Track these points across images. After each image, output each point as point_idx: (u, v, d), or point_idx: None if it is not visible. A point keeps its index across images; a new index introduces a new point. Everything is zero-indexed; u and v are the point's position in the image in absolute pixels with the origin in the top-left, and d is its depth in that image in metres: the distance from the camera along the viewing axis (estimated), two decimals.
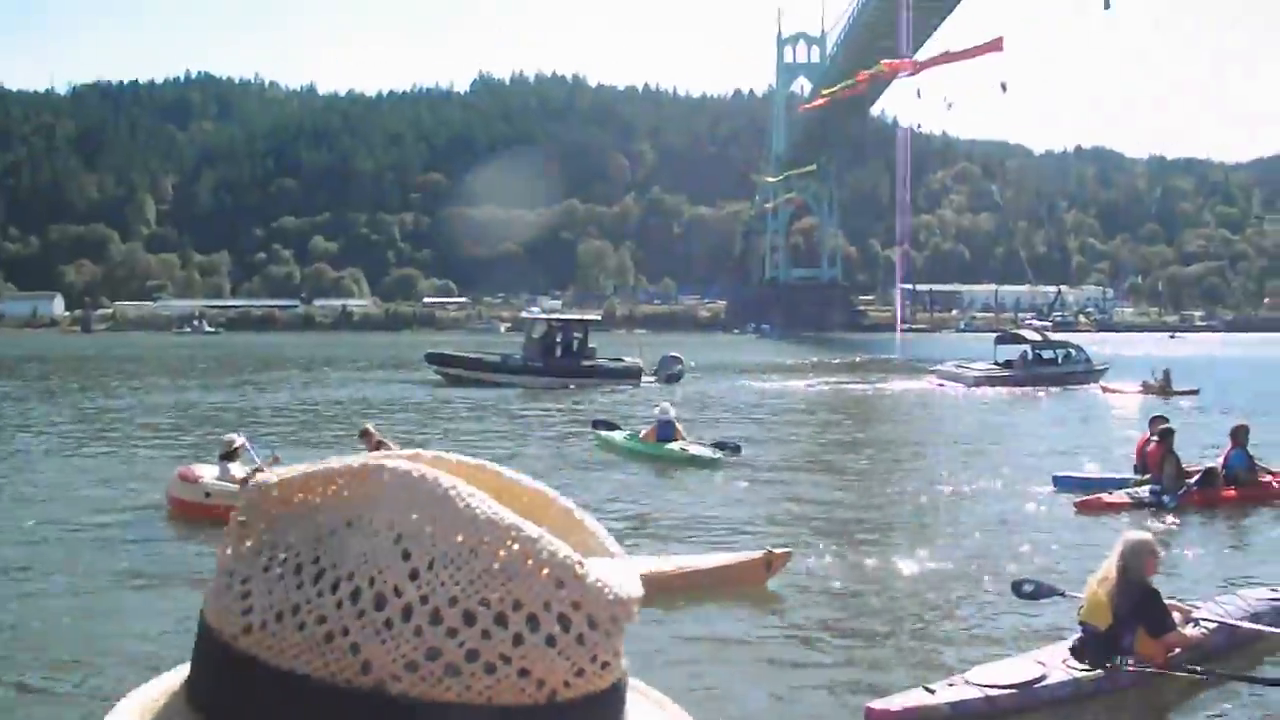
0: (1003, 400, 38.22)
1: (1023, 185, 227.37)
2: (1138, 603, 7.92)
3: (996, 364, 45.78)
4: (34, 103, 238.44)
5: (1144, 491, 15.78)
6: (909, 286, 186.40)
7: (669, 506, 16.53)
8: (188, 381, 48.27)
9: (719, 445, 22.28)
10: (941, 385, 44.34)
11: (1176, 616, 8.37)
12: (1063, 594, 9.34)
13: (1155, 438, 16.20)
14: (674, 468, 20.49)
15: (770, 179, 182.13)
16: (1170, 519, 14.94)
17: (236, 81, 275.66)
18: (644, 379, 46.08)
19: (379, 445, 16.46)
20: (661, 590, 10.41)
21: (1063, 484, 17.15)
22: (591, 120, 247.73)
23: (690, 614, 10.29)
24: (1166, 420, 16.86)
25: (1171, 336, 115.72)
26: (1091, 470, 18.33)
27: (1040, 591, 9.58)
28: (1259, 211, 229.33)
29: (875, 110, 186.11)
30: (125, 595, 11.06)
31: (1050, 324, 61.82)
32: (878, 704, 7.48)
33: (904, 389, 44.42)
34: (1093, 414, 31.80)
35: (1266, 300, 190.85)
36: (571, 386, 42.68)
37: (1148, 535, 8.39)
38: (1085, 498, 15.92)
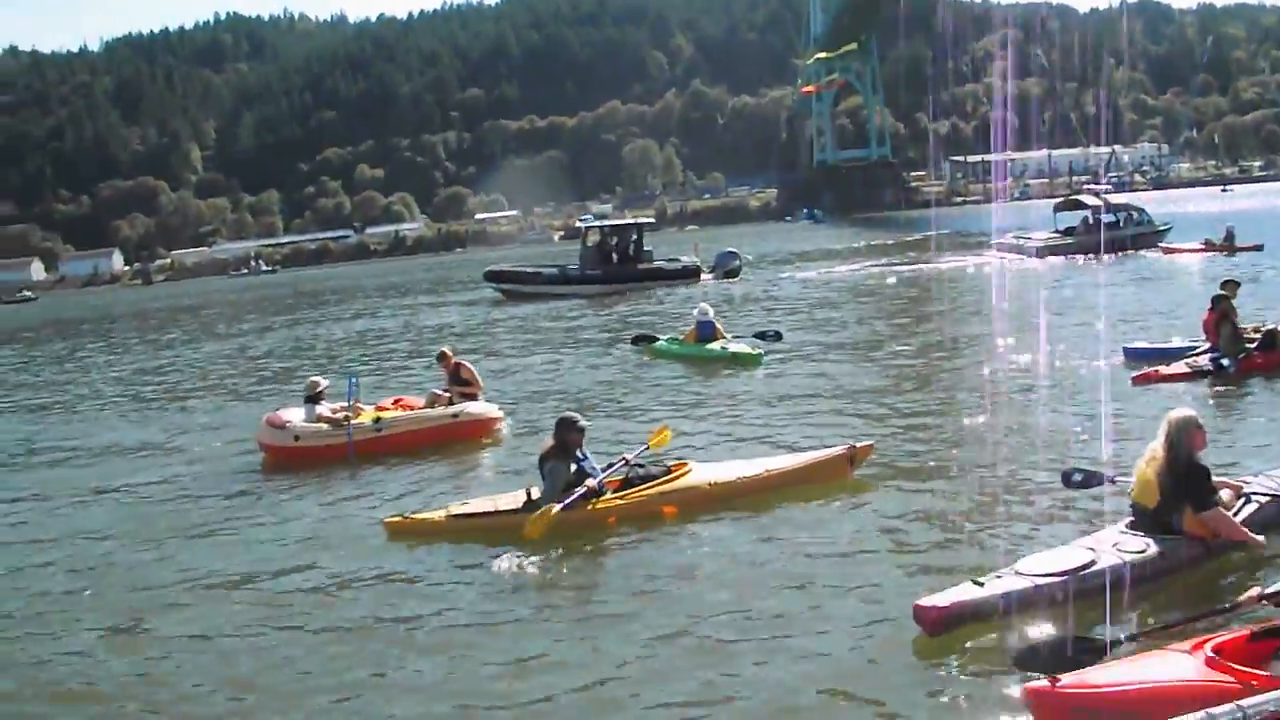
0: (1066, 269, 37.43)
1: (1068, 45, 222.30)
2: (1182, 479, 7.88)
3: (1057, 232, 44.69)
4: (68, 63, 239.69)
5: (1203, 359, 15.51)
6: (959, 158, 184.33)
7: (725, 407, 16.56)
8: (253, 324, 49.00)
9: (760, 335, 22.69)
10: (1004, 257, 43.28)
11: (1227, 493, 8.26)
12: (1113, 480, 9.32)
13: (1210, 303, 15.93)
14: (720, 365, 20.61)
15: (811, 59, 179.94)
16: (1228, 385, 14.73)
17: (266, 19, 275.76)
18: (703, 277, 46.07)
19: (457, 367, 16.71)
20: (757, 491, 10.80)
21: (1133, 354, 16.85)
22: (624, 19, 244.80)
23: (769, 514, 10.46)
24: (1233, 284, 16.58)
25: (1224, 189, 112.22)
26: (1161, 339, 17.88)
27: (1090, 480, 9.54)
28: None
29: None
30: (226, 542, 11.34)
31: (1109, 186, 59.86)
32: (926, 600, 7.37)
33: (964, 264, 43.57)
34: (1158, 278, 31.14)
35: None
36: (630, 292, 42.66)
37: (1192, 411, 8.21)
38: (1141, 372, 15.60)
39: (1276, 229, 44.06)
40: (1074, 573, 7.46)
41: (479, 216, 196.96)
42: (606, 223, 56.56)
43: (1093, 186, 57.04)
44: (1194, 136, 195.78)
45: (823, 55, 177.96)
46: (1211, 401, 14.03)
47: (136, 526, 12.17)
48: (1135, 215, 45.05)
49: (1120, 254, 40.25)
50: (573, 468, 10.40)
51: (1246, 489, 8.55)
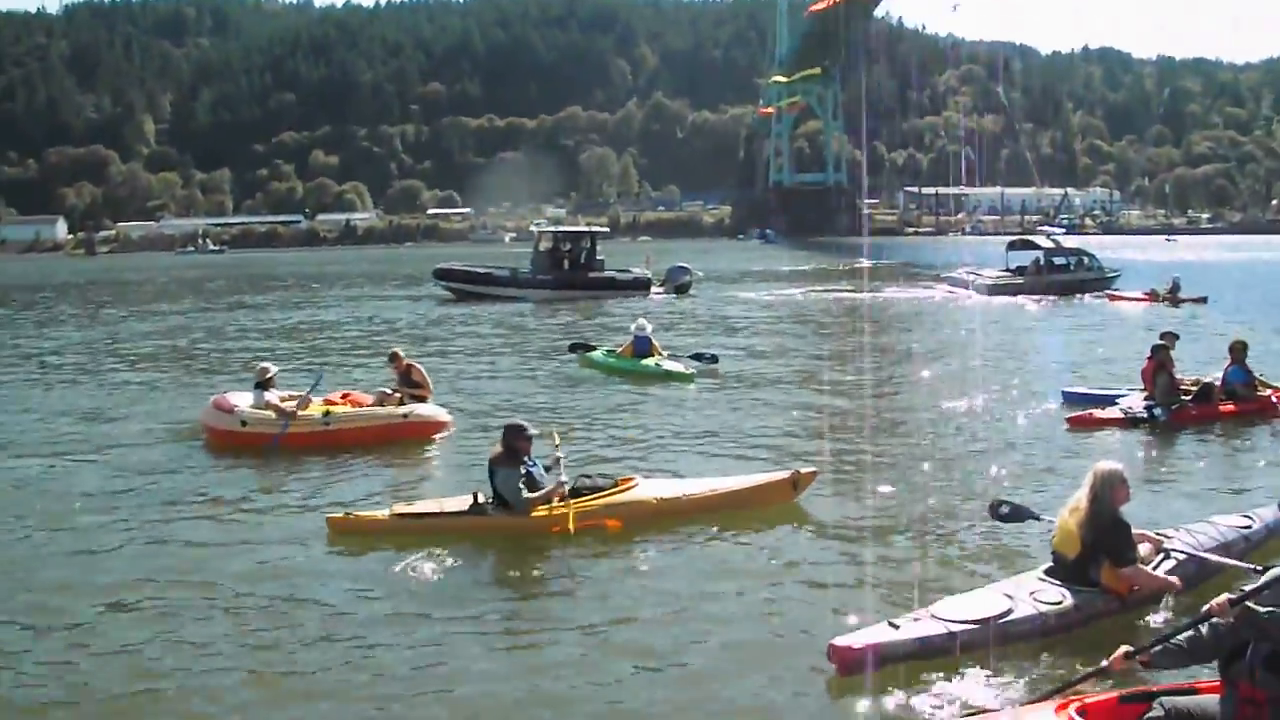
0: (1014, 309, 37.69)
1: (1029, 86, 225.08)
2: (1103, 533, 7.88)
3: (1008, 270, 45.19)
4: (26, 23, 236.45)
5: (1139, 407, 15.68)
6: (913, 189, 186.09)
7: (663, 424, 16.64)
8: (197, 304, 48.53)
9: (696, 356, 22.82)
10: (952, 292, 43.72)
11: (1147, 547, 8.34)
12: (1038, 517, 9.44)
13: (1149, 353, 16.10)
14: (654, 381, 20.73)
15: (775, 80, 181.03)
16: (1161, 434, 14.93)
17: None
18: (653, 290, 46.15)
19: (408, 368, 16.69)
20: (701, 510, 10.89)
21: (1071, 399, 17.04)
22: (592, 25, 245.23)
23: (709, 534, 10.54)
24: (1172, 335, 16.75)
25: (1169, 239, 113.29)
26: (1098, 385, 18.08)
27: (1017, 514, 9.64)
28: (1268, 113, 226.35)
29: (879, 11, 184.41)
30: (173, 526, 11.21)
31: (1062, 228, 60.84)
32: (841, 640, 7.31)
33: (913, 296, 43.91)
34: (1102, 324, 31.30)
35: (1275, 203, 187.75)
36: (580, 300, 42.66)
37: (1118, 465, 8.20)
38: (1076, 414, 15.83)
39: (1221, 283, 44.77)
40: (990, 620, 7.48)
41: (431, 211, 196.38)
42: (560, 228, 56.56)
43: (1046, 229, 57.82)
44: (1145, 185, 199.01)
45: (785, 78, 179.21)
46: (1141, 450, 14.21)
47: (62, 507, 11.98)
48: (1086, 260, 45.41)
49: (1068, 297, 40.50)
50: (522, 473, 10.44)
51: (1166, 544, 8.61)
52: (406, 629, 8.25)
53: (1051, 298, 40.41)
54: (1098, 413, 15.74)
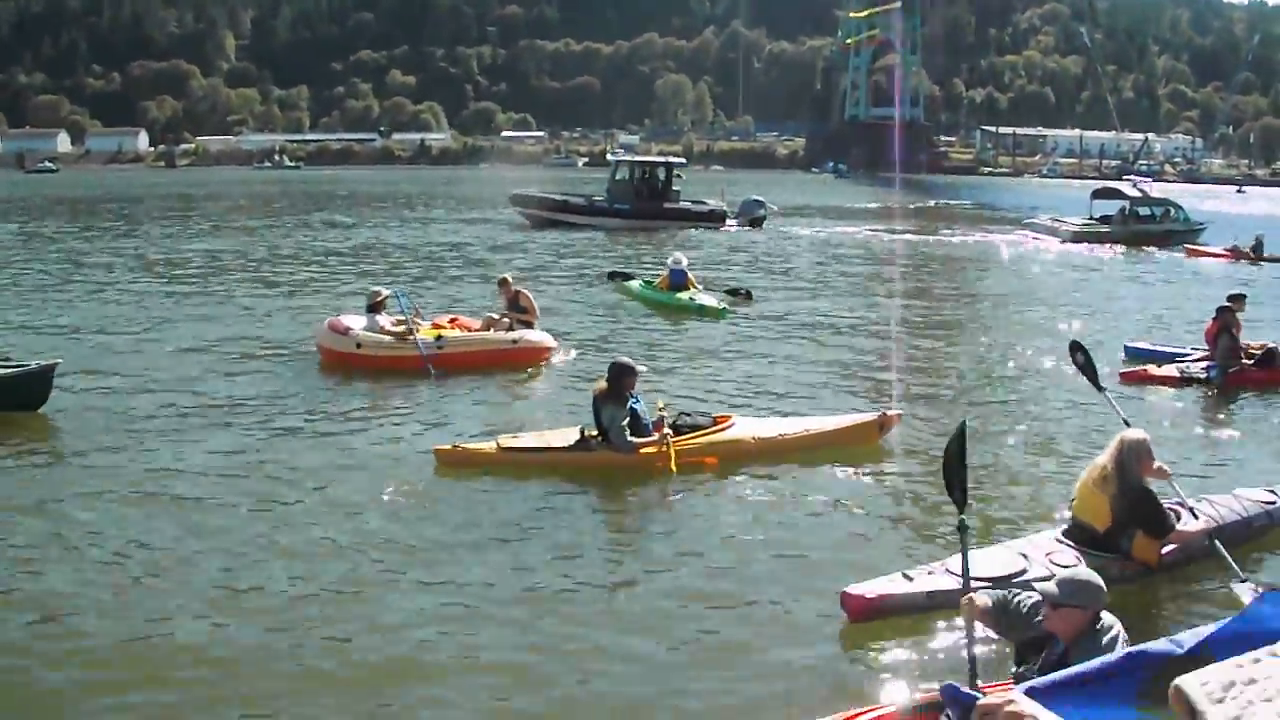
0: (1096, 258, 37.11)
1: (1113, 27, 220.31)
2: (1136, 505, 7.94)
3: (1092, 219, 44.32)
4: None
5: (1197, 367, 15.61)
6: (990, 128, 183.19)
7: (736, 363, 17.11)
8: (281, 221, 49.20)
9: (732, 291, 23.40)
10: (1037, 239, 43.07)
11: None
12: (1100, 388, 10.01)
13: (1214, 313, 15.92)
14: (687, 315, 21.21)
15: (853, 14, 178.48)
16: (1211, 394, 14.88)
17: None
18: (727, 222, 46.38)
19: (516, 294, 17.20)
20: (793, 449, 11.34)
21: (1133, 353, 17.04)
22: None
23: (794, 474, 10.97)
24: (1239, 297, 16.56)
25: (1239, 190, 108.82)
26: (1165, 342, 17.95)
27: (1087, 369, 10.16)
28: None
29: None
30: (287, 446, 11.75)
31: (1150, 179, 59.15)
32: (854, 588, 7.55)
33: (994, 241, 43.14)
34: (1181, 279, 30.64)
35: None
36: (655, 230, 42.97)
37: (1144, 434, 8.20)
38: (1130, 369, 15.95)
39: None
40: (1003, 579, 7.58)
41: (505, 134, 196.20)
42: (638, 158, 56.54)
43: (1132, 177, 56.52)
44: (1229, 133, 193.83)
45: (864, 11, 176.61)
46: (1191, 410, 14.27)
47: (187, 425, 12.52)
48: (1172, 211, 44.41)
49: (1151, 249, 39.58)
50: (627, 411, 10.85)
51: (1183, 515, 8.54)
52: (507, 557, 8.68)
53: (1134, 249, 39.63)
54: (1152, 369, 15.75)
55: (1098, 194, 46.94)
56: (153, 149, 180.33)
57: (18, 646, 7.10)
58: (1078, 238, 41.84)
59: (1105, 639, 4.84)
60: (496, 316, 16.97)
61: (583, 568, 8.52)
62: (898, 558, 8.53)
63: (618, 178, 48.46)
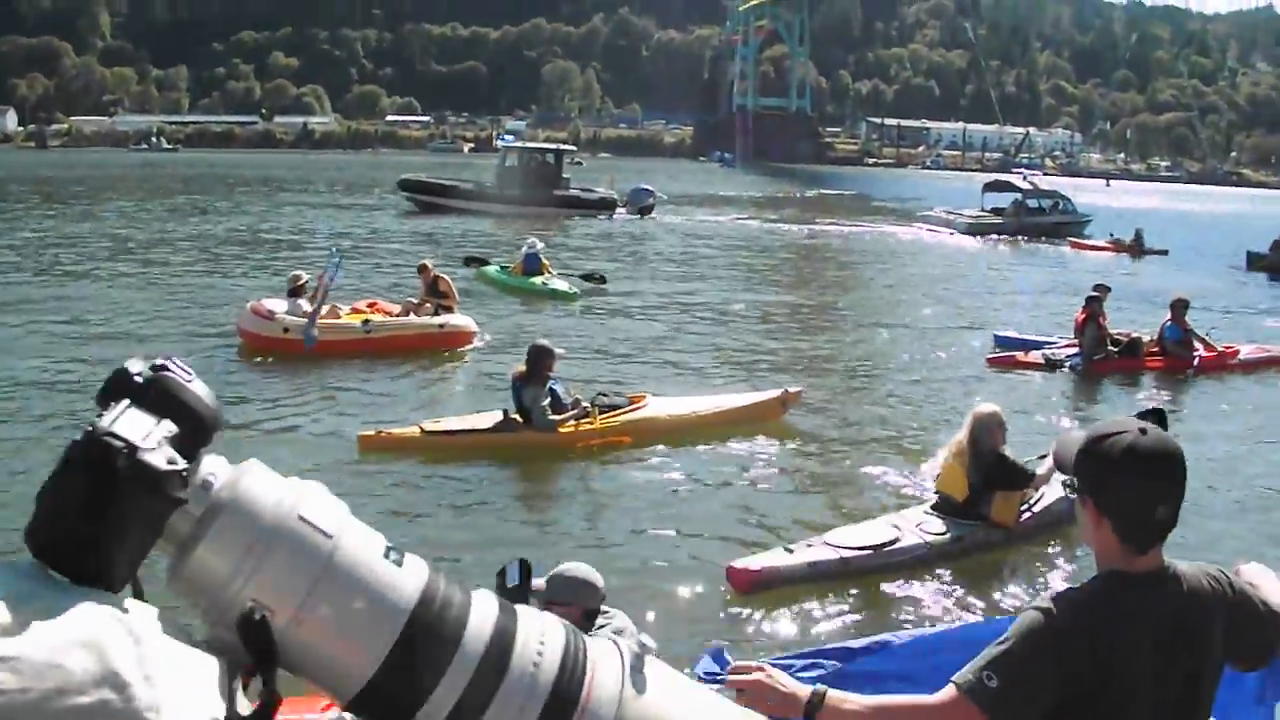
0: (986, 250, 38.03)
1: (997, 23, 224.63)
2: (989, 471, 8.39)
3: (984, 211, 45.17)
4: None
5: (1062, 354, 16.32)
6: (875, 120, 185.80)
7: (633, 346, 17.55)
8: (162, 205, 47.80)
9: (586, 276, 23.74)
10: (932, 231, 43.70)
11: (1047, 463, 8.61)
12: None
13: (1083, 303, 16.57)
14: (541, 300, 21.56)
15: (742, 4, 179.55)
16: (1075, 380, 15.64)
17: None
18: (617, 210, 46.10)
19: (435, 279, 17.18)
20: (703, 426, 11.81)
21: (1002, 342, 17.61)
22: None
23: (698, 449, 11.41)
24: (1105, 288, 17.15)
25: (1107, 184, 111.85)
26: (1034, 332, 18.59)
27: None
28: (1233, 64, 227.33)
29: None
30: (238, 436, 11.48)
31: (1026, 169, 60.54)
32: (739, 562, 7.98)
33: (887, 232, 43.91)
34: (1063, 271, 31.35)
35: (1233, 155, 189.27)
36: (544, 218, 42.53)
37: (995, 407, 8.74)
38: (996, 355, 16.71)
39: (1183, 235, 44.98)
40: (877, 548, 8.20)
41: (390, 118, 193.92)
42: (528, 145, 56.16)
43: (1022, 170, 57.59)
44: (1107, 129, 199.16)
45: (754, 1, 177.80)
46: (1054, 394, 15.03)
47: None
48: (1060, 204, 45.48)
49: (1039, 241, 40.54)
50: (546, 391, 11.06)
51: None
52: (429, 535, 8.83)
53: (1025, 240, 40.61)
54: (1019, 355, 16.48)
55: (989, 187, 47.63)
56: (22, 128, 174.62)
57: None
58: (971, 230, 42.60)
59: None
60: (416, 301, 16.99)
61: (499, 545, 8.65)
62: (791, 530, 9.04)
63: (507, 164, 48.04)
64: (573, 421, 11.10)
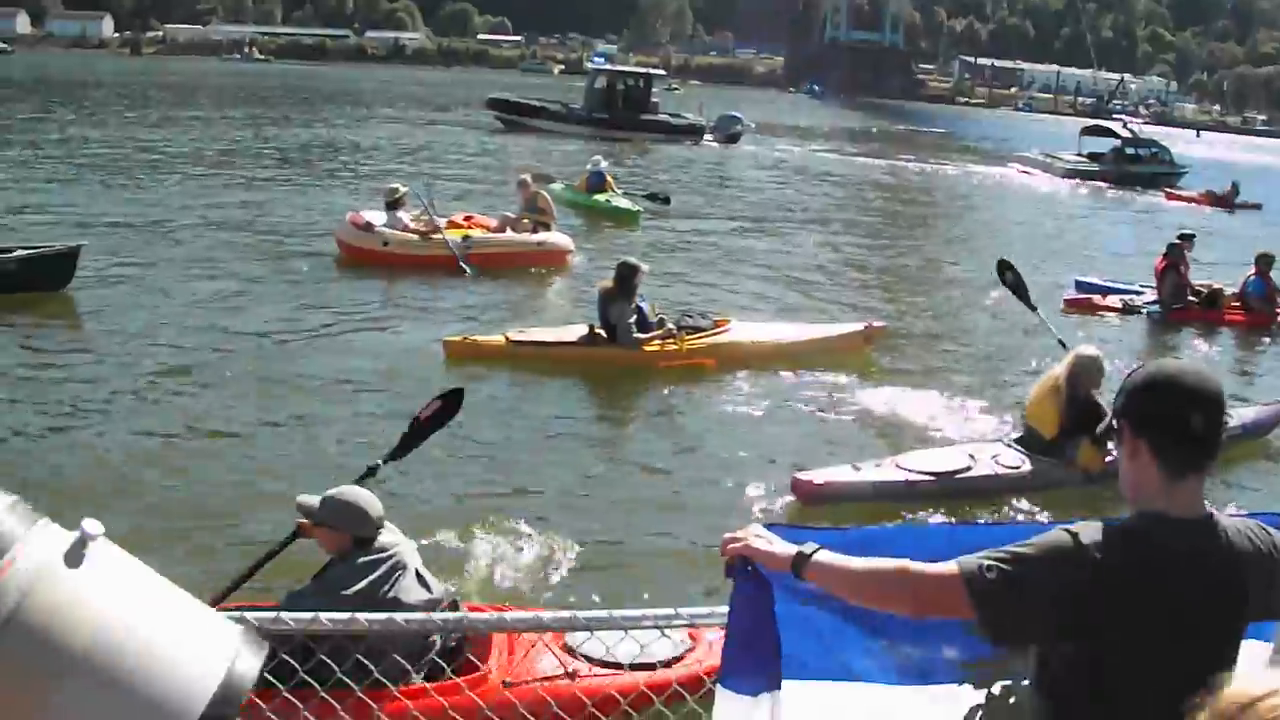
0: (1082, 196, 37.39)
1: None
2: (1081, 414, 8.27)
3: (1080, 155, 44.26)
4: None
5: (1140, 300, 16.15)
6: (969, 58, 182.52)
7: (723, 272, 17.64)
8: (260, 114, 48.37)
9: (651, 195, 23.90)
10: (1027, 173, 43.05)
11: None
12: (1032, 307, 10.81)
13: (1164, 251, 16.31)
14: (603, 216, 21.84)
15: None
16: (1153, 328, 15.51)
17: None
18: (705, 137, 46.04)
19: (534, 195, 17.36)
20: (785, 354, 11.94)
21: (1084, 287, 17.34)
22: None
23: (782, 376, 11.54)
24: (1189, 236, 16.88)
25: (1197, 134, 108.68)
26: (1116, 279, 18.12)
27: (1017, 288, 10.85)
28: None
29: None
30: (309, 333, 12.20)
31: (1140, 120, 59.15)
32: (804, 474, 8.20)
33: (981, 172, 43.26)
34: (1155, 220, 30.50)
35: None
36: (631, 141, 42.58)
37: (1097, 351, 8.74)
38: (1074, 297, 16.48)
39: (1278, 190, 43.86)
40: (946, 474, 8.30)
41: (481, 37, 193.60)
42: (617, 67, 56.04)
43: (1122, 117, 56.49)
44: (1204, 79, 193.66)
45: None
46: (1132, 339, 14.97)
47: (203, 312, 12.81)
48: (1159, 153, 44.52)
49: (1134, 189, 39.65)
50: (633, 308, 11.25)
51: None
52: (509, 447, 9.09)
53: (1122, 188, 39.79)
54: (1096, 299, 16.32)
55: (1087, 131, 46.66)
56: (118, 34, 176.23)
57: None
58: (1070, 174, 41.87)
59: (362, 561, 4.54)
60: (513, 216, 17.13)
61: (575, 455, 9.11)
62: (864, 458, 8.96)
63: (596, 86, 47.98)
64: (658, 341, 11.29)
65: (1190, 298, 15.99)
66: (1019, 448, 8.70)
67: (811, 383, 11.35)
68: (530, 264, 16.30)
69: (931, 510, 8.00)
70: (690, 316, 12.05)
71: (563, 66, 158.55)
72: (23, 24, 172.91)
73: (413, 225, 15.71)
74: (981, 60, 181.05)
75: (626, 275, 11.18)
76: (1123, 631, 2.22)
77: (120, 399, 9.74)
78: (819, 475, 8.14)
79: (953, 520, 7.77)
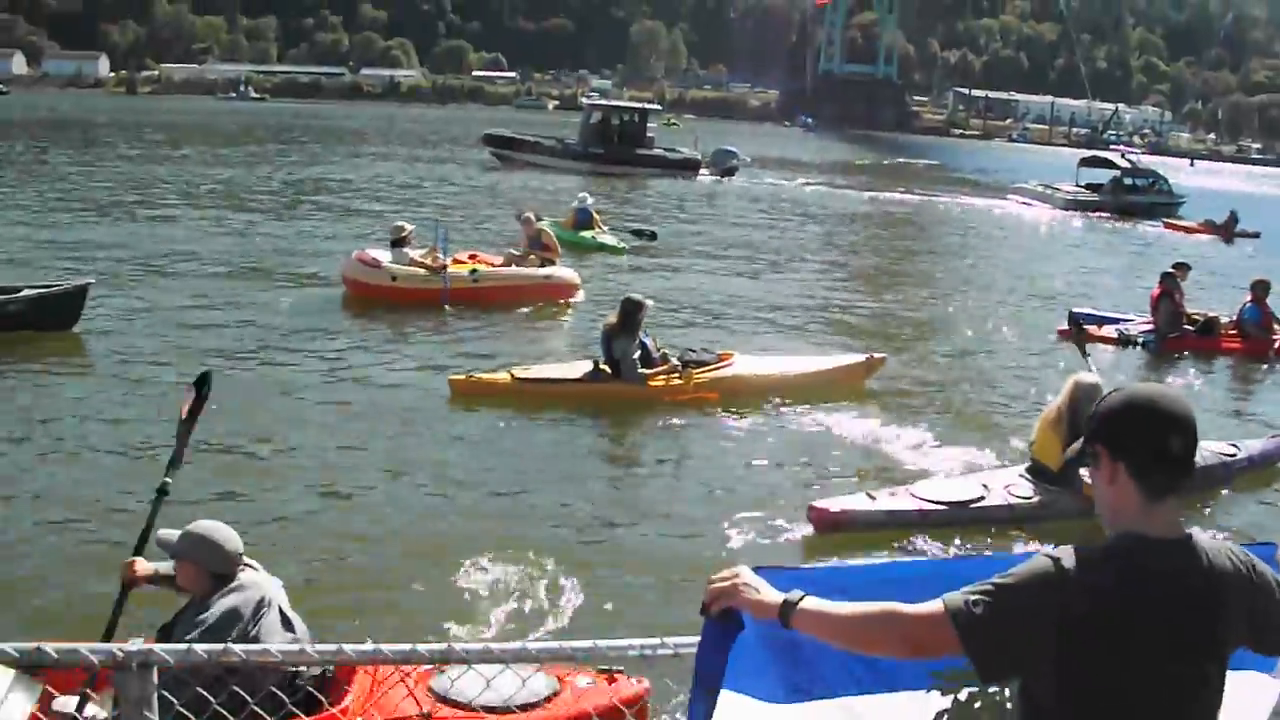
0: (1079, 226, 37.33)
1: None
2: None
3: (1077, 185, 44.38)
4: None
5: (1135, 330, 16.08)
6: (963, 90, 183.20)
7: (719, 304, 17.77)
8: (253, 152, 48.68)
9: (636, 232, 24.10)
10: (1026, 204, 43.03)
11: None
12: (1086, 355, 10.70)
13: (1159, 280, 16.31)
14: (590, 253, 21.75)
15: None
16: (1148, 357, 15.44)
17: None
18: (700, 171, 46.13)
19: (539, 232, 17.49)
20: (788, 386, 11.98)
21: (1079, 317, 16.93)
22: None
23: (783, 408, 11.61)
24: (1184, 266, 16.94)
25: (1191, 164, 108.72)
26: (1112, 309, 18.17)
27: (1080, 342, 10.98)
28: None
29: None
30: (317, 368, 12.36)
31: (1110, 145, 59.06)
32: (820, 502, 8.33)
33: (978, 204, 43.14)
34: (1153, 250, 30.30)
35: None
36: (627, 176, 42.66)
37: (1097, 379, 8.73)
38: (1066, 328, 16.21)
39: (1275, 219, 43.62)
40: (960, 504, 8.40)
41: (476, 74, 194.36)
42: (612, 102, 56.19)
43: (1120, 148, 56.45)
44: (1198, 109, 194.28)
45: None
46: (1128, 369, 14.85)
47: (211, 348, 12.93)
48: (1157, 183, 44.43)
49: (1132, 220, 39.57)
50: (638, 344, 11.35)
51: None
52: (514, 482, 9.14)
53: (1121, 219, 39.65)
54: (1091, 329, 15.91)
55: (1085, 162, 46.65)
56: (113, 74, 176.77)
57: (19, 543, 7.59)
58: (1069, 205, 41.85)
59: (226, 600, 4.39)
60: (517, 253, 17.28)
61: (581, 489, 9.17)
62: (865, 486, 9.17)
63: (591, 121, 48.11)
64: (662, 376, 11.36)
65: (1186, 325, 15.98)
66: (1030, 478, 8.72)
67: (814, 414, 11.41)
68: (539, 298, 16.41)
69: (942, 539, 8.05)
70: (693, 351, 12.14)
71: (558, 102, 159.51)
72: (19, 64, 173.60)
73: (421, 261, 15.76)
74: (975, 92, 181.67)
75: (631, 311, 11.27)
76: (1105, 652, 2.22)
77: (131, 436, 9.86)
78: (835, 503, 8.27)
79: (954, 552, 7.86)
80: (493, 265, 16.75)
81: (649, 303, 11.66)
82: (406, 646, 2.82)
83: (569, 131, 49.89)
